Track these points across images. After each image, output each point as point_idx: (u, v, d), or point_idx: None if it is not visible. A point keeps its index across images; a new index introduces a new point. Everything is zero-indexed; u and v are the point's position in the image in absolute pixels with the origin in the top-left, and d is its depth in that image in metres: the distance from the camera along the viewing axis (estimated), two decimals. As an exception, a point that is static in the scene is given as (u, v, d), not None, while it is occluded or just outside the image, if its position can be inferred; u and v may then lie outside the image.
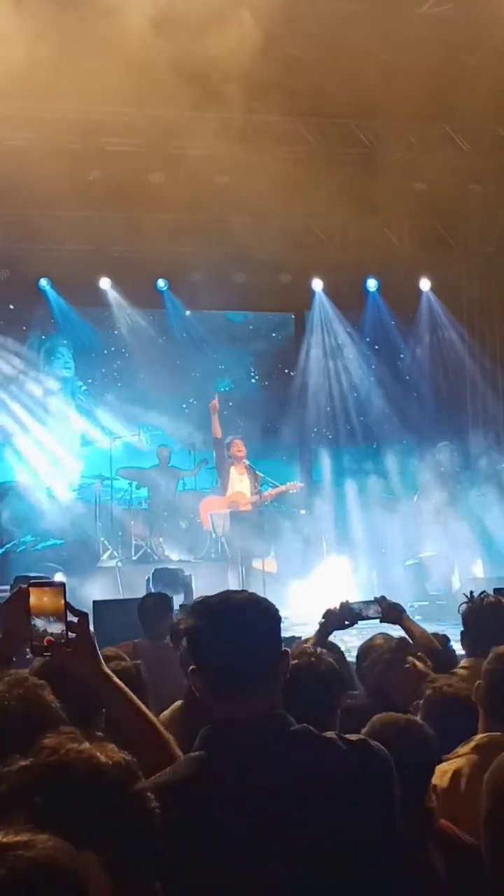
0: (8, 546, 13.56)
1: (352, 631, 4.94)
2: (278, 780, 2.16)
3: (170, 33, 9.87)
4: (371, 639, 4.52)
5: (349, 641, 7.88)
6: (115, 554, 12.67)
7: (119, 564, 12.32)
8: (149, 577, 10.92)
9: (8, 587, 9.85)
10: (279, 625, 2.38)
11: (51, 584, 2.43)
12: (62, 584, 2.44)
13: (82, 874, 1.45)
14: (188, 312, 15.78)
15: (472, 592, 4.58)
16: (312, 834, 2.12)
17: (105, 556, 12.69)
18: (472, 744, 3.36)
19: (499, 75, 10.97)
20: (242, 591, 2.49)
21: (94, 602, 8.14)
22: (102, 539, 12.85)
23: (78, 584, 11.52)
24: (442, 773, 3.24)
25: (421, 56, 10.43)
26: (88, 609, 3.34)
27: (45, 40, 9.62)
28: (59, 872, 1.39)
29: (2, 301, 14.76)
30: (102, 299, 14.95)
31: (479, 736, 3.37)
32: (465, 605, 4.50)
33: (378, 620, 4.80)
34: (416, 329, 16.47)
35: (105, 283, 14.63)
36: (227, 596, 2.38)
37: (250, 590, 2.53)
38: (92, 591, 10.97)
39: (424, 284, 15.66)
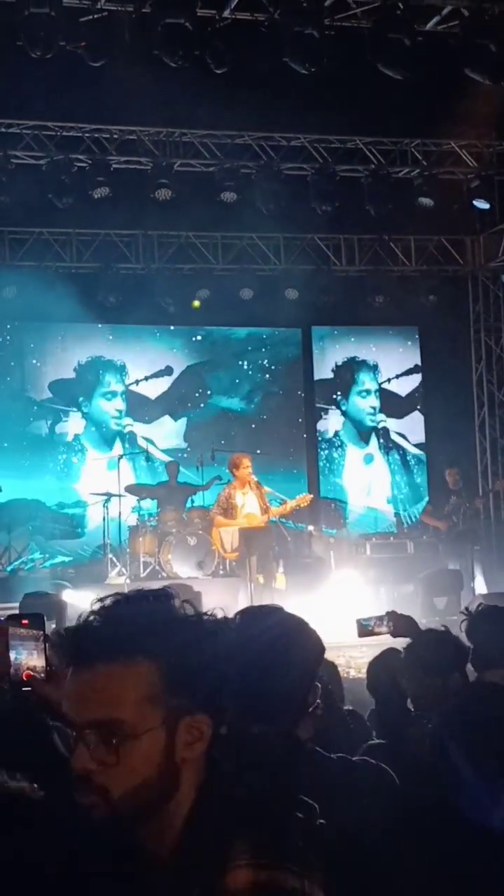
0: (16, 563, 13.58)
1: (361, 647, 4.89)
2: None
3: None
4: (379, 655, 4.46)
5: (359, 658, 7.87)
6: (124, 571, 12.65)
7: (128, 581, 12.30)
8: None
9: (17, 605, 9.86)
10: (321, 659, 2.39)
11: (29, 617, 2.42)
12: (41, 616, 2.43)
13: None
14: (198, 337, 15.87)
15: (467, 608, 4.51)
16: None
17: (113, 574, 12.68)
18: None
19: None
20: (297, 617, 2.50)
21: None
22: (111, 556, 12.84)
23: (87, 602, 11.51)
24: None
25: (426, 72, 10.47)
26: None
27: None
28: None
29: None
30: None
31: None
32: (465, 622, 4.39)
33: (390, 636, 4.66)
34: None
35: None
36: (282, 618, 2.39)
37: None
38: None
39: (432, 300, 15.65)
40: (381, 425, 16.23)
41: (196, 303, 14.83)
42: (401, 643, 4.47)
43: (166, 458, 14.95)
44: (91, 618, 1.60)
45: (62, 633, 1.62)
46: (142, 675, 1.54)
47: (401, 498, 16.15)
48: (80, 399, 15.23)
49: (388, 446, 16.23)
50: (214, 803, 1.57)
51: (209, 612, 1.63)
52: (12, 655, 2.32)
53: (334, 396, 16.30)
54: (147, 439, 15.41)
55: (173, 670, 1.55)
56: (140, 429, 15.42)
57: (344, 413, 16.29)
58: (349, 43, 10.45)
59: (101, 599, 1.62)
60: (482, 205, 14.20)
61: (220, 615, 1.62)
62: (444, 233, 15.50)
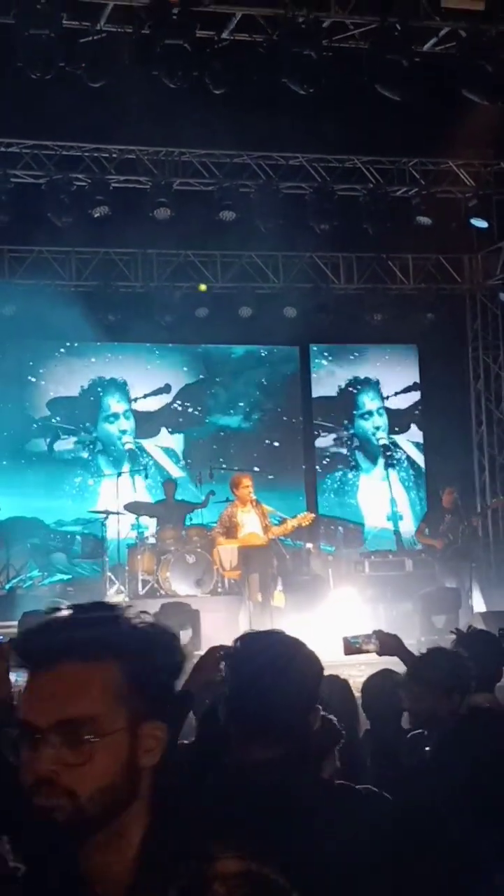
0: (14, 581, 13.56)
1: (360, 666, 4.87)
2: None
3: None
4: (375, 674, 4.45)
5: (356, 676, 7.84)
6: (122, 589, 12.64)
7: (126, 599, 12.29)
8: (156, 612, 10.90)
9: (15, 623, 9.85)
10: (319, 681, 2.39)
11: None
12: None
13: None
14: (200, 349, 15.91)
15: (457, 629, 4.51)
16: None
17: (112, 591, 12.66)
18: None
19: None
20: (295, 639, 2.50)
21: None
22: (109, 574, 12.83)
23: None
24: None
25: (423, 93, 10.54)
26: None
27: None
28: None
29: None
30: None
31: None
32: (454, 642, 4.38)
33: (376, 654, 4.64)
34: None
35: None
36: (279, 639, 2.39)
37: (257, 624, 2.55)
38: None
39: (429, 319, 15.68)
40: (382, 442, 16.20)
41: (202, 286, 14.87)
42: (387, 661, 4.46)
43: (179, 474, 14.96)
44: (53, 621, 1.59)
45: (22, 634, 1.59)
46: (110, 674, 1.54)
47: (410, 514, 16.10)
48: (87, 424, 15.25)
49: (391, 463, 16.21)
50: (180, 810, 1.57)
51: (162, 624, 1.64)
52: (13, 677, 2.32)
53: (333, 414, 16.31)
54: (166, 449, 15.42)
55: (135, 674, 1.55)
56: (145, 443, 15.44)
57: (353, 435, 16.30)
58: (347, 64, 10.51)
59: (56, 608, 1.62)
60: (480, 223, 14.26)
61: (178, 631, 1.64)
62: (442, 251, 15.55)
